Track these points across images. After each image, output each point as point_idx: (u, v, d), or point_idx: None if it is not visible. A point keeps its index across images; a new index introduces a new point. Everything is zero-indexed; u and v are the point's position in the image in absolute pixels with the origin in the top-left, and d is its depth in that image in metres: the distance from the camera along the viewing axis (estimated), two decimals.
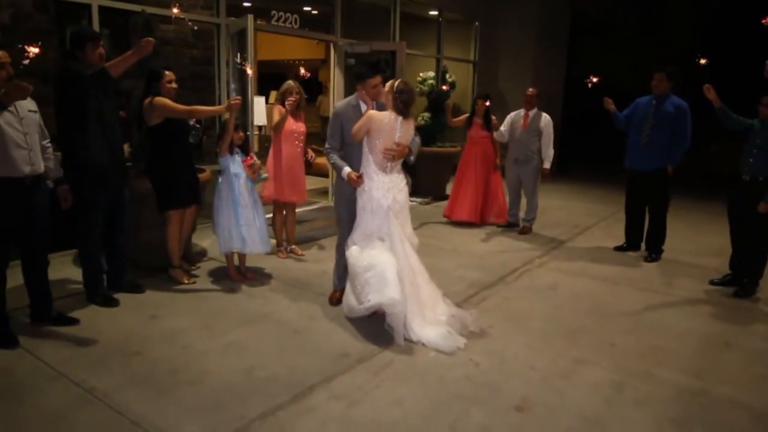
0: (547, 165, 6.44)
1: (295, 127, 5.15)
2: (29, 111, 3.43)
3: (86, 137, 3.80)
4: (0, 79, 3.20)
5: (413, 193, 8.67)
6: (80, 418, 2.73)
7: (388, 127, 3.73)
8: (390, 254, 3.73)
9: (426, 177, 8.73)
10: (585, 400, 3.02)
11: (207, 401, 2.89)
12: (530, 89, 6.56)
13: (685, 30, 16.52)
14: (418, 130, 9.50)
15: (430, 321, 3.68)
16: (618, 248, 5.99)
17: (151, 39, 3.54)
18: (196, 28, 7.30)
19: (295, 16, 7.10)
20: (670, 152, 5.36)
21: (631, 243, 5.96)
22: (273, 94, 11.61)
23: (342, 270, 4.15)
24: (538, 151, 6.44)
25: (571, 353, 3.56)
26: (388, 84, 3.80)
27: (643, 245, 5.87)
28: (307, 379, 3.13)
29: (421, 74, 9.60)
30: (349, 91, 7.92)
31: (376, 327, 3.73)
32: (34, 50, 3.25)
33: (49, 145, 3.66)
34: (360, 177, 3.82)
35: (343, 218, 4.10)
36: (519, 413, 2.87)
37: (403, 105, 3.75)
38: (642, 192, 5.66)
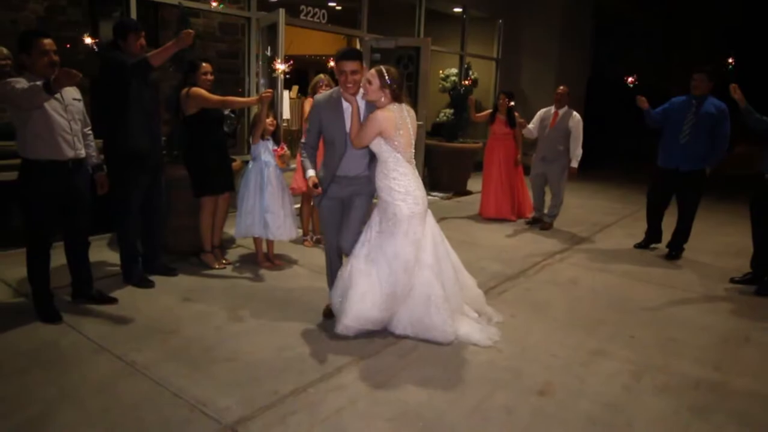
0: (574, 164, 6.45)
1: None
2: (74, 99, 3.60)
3: (127, 123, 3.97)
4: (42, 64, 3.36)
5: (435, 187, 8.83)
6: (124, 388, 2.89)
7: (401, 119, 3.40)
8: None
9: (448, 172, 8.84)
10: (605, 387, 3.11)
11: (241, 377, 3.03)
12: (561, 87, 6.54)
13: (710, 28, 16.38)
14: (441, 126, 9.60)
15: (465, 315, 3.74)
16: (638, 245, 6.04)
17: (191, 31, 3.67)
18: (221, 22, 7.49)
19: (323, 11, 7.24)
20: (709, 153, 5.36)
21: (650, 239, 6.00)
22: (295, 89, 11.78)
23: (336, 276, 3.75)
24: (566, 149, 6.47)
25: (591, 343, 3.65)
26: (372, 77, 3.32)
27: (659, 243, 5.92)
28: (335, 359, 3.26)
29: (441, 71, 9.70)
30: None
31: None
32: (88, 41, 3.39)
33: (90, 132, 3.82)
34: (317, 186, 3.46)
35: (331, 220, 3.69)
36: (541, 397, 2.98)
37: (399, 90, 3.39)
38: (673, 191, 5.63)
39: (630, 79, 6.24)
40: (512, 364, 3.32)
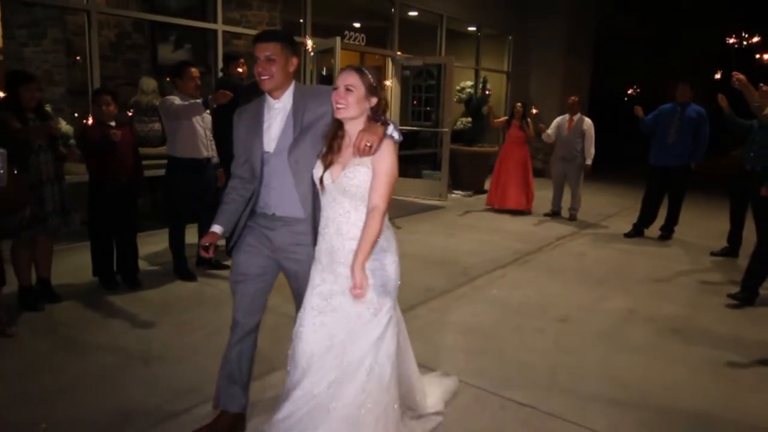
0: (589, 162, 7.60)
1: None
2: (207, 113, 4.78)
3: None
4: (190, 86, 4.55)
5: (457, 187, 9.99)
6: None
7: None
8: None
9: (467, 173, 10.01)
10: (608, 317, 4.28)
11: None
12: (572, 97, 7.74)
13: (703, 42, 17.57)
14: (461, 134, 10.72)
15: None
16: (628, 235, 6.94)
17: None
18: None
19: (363, 34, 8.44)
20: (693, 151, 6.45)
21: (641, 226, 6.96)
22: None
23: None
24: (581, 150, 7.60)
25: (597, 292, 4.82)
26: (354, 81, 2.19)
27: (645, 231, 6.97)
28: (408, 300, 4.35)
29: (455, 84, 10.84)
30: (403, 101, 9.23)
31: (448, 273, 4.99)
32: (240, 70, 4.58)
33: (213, 139, 4.99)
34: (207, 249, 2.58)
35: (245, 287, 2.71)
36: (562, 323, 4.13)
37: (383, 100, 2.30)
38: (664, 184, 6.66)
39: (630, 91, 7.33)
40: (539, 303, 4.49)
